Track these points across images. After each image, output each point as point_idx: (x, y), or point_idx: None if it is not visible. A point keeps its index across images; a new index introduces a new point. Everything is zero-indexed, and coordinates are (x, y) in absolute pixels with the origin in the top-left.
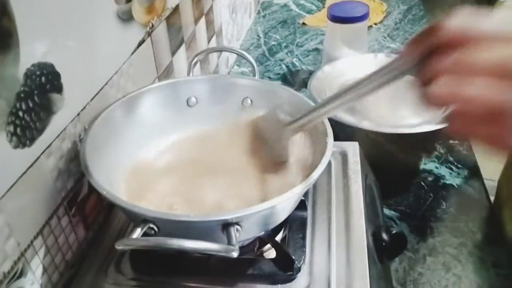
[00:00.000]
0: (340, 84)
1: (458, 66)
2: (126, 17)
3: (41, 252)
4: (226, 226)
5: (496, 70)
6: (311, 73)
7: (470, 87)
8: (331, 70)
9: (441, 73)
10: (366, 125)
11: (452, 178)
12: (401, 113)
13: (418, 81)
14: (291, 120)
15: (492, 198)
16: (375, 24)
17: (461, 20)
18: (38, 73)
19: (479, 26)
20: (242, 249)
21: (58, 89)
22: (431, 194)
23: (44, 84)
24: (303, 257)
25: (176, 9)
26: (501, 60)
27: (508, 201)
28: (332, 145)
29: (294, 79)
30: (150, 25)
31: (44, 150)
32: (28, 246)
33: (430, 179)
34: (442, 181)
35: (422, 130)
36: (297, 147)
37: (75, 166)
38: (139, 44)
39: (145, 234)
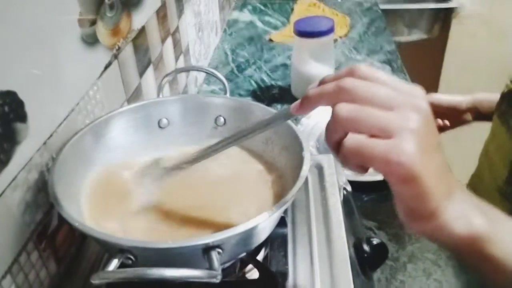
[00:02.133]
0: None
1: (359, 95)
2: (91, 41)
3: None
4: (206, 250)
5: (386, 102)
6: (280, 88)
7: (368, 110)
8: (308, 122)
9: (343, 96)
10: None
11: None
12: None
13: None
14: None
15: None
16: (340, 37)
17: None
18: (0, 102)
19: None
20: (223, 271)
21: (22, 118)
22: None
23: (7, 113)
24: (286, 274)
25: (142, 30)
26: (390, 95)
27: None
28: (309, 160)
29: (264, 94)
30: (116, 47)
31: (10, 183)
32: None
33: None
34: None
35: None
36: (274, 163)
37: (43, 197)
38: (106, 67)
39: (122, 265)
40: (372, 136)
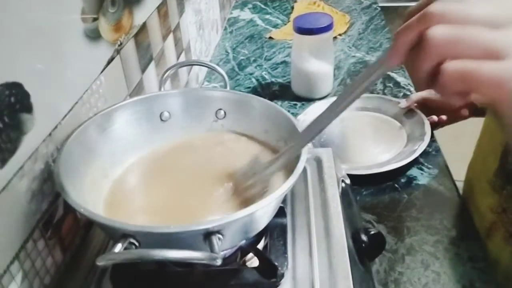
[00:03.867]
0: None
1: (453, 16)
2: (94, 36)
3: (18, 278)
4: (207, 235)
5: (487, 21)
6: (280, 85)
7: (468, 29)
8: (305, 118)
9: (438, 21)
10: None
11: (423, 178)
12: (373, 151)
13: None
14: (270, 161)
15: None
16: (340, 35)
17: (446, 3)
18: (6, 93)
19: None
20: (224, 260)
21: (28, 109)
22: (405, 195)
23: (14, 104)
24: (285, 263)
25: (143, 26)
26: (491, 13)
27: (470, 197)
28: (306, 151)
29: (265, 91)
30: (119, 42)
31: (17, 172)
32: (5, 271)
33: (403, 180)
34: (414, 182)
35: (392, 168)
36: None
37: (48, 187)
38: (109, 62)
39: (125, 250)
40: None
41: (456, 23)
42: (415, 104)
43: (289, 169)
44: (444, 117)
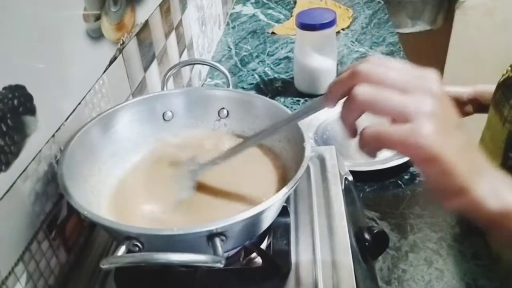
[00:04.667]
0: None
1: (375, 76)
2: (96, 35)
3: (23, 279)
4: (210, 237)
5: (400, 85)
6: (283, 81)
7: (384, 92)
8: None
9: (359, 79)
10: (347, 164)
11: None
12: None
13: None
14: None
15: None
16: (343, 29)
17: (370, 65)
18: (10, 96)
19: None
20: (227, 259)
21: (31, 111)
22: (408, 192)
23: (17, 106)
24: (289, 262)
25: (145, 24)
26: (404, 79)
27: None
28: (310, 149)
29: (268, 87)
30: (121, 42)
31: (21, 174)
32: (9, 273)
33: (406, 177)
34: (418, 178)
35: (395, 164)
36: (277, 154)
37: (52, 189)
38: (111, 62)
39: (129, 252)
40: (392, 120)
41: (377, 83)
42: None
43: (293, 168)
44: None
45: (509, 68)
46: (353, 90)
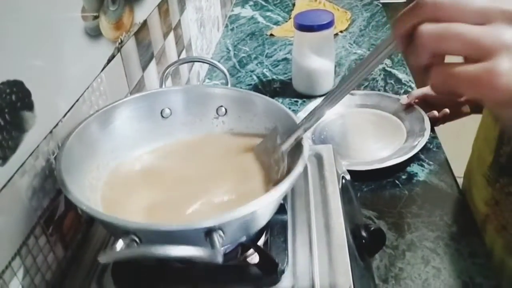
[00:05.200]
0: (313, 128)
1: (443, 9)
2: (95, 34)
3: (20, 273)
4: (209, 233)
5: (478, 15)
6: (282, 82)
7: (456, 27)
8: (305, 115)
9: (424, 21)
10: (344, 164)
11: (424, 174)
12: (370, 146)
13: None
14: (284, 140)
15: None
16: (341, 32)
17: None
18: (7, 91)
19: None
20: (225, 256)
21: (29, 106)
22: (406, 192)
23: (15, 102)
24: (286, 259)
25: (144, 24)
26: (483, 5)
27: (469, 191)
28: (308, 147)
29: (266, 88)
30: (119, 40)
31: (18, 169)
32: (6, 267)
33: (403, 177)
34: (415, 178)
35: (393, 163)
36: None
37: (50, 184)
38: (109, 60)
39: (127, 247)
40: (465, 58)
41: (447, 16)
42: (416, 100)
43: (290, 166)
44: (447, 110)
45: None
46: (418, 29)
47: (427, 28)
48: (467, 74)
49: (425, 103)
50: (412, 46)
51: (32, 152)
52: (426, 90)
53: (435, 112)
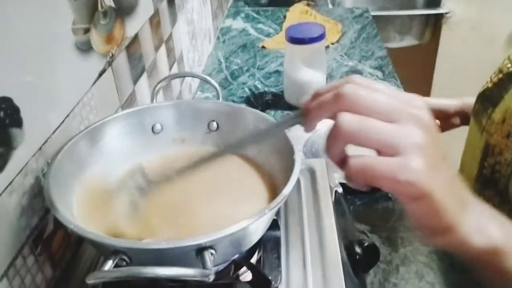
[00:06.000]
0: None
1: (360, 102)
2: (85, 48)
3: None
4: (200, 251)
5: (388, 112)
6: (273, 94)
7: (371, 122)
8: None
9: (343, 104)
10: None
11: None
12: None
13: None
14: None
15: None
16: (332, 44)
17: (355, 87)
18: None
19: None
20: (217, 274)
21: (18, 123)
22: (398, 205)
23: (3, 119)
24: (279, 276)
25: (135, 37)
26: (392, 104)
27: None
28: (300, 162)
29: (258, 101)
30: (110, 54)
31: (6, 188)
32: None
33: None
34: None
35: None
36: (265, 167)
37: (38, 202)
38: (100, 74)
39: (116, 266)
40: (377, 151)
41: (363, 109)
42: None
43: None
44: (437, 121)
45: (489, 80)
46: (337, 119)
47: (346, 119)
48: (382, 167)
49: None
50: (330, 134)
51: (21, 170)
52: None
53: None
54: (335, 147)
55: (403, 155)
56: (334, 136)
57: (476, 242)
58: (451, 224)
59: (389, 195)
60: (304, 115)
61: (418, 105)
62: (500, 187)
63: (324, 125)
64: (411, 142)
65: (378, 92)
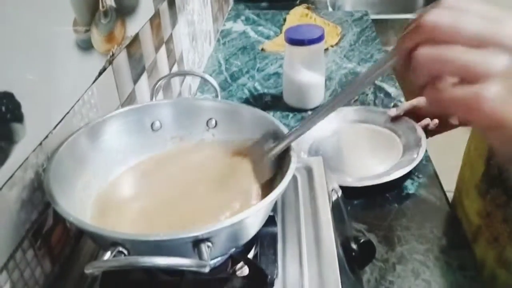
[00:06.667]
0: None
1: (442, 30)
2: (86, 46)
3: None
4: (196, 243)
5: (475, 37)
6: (273, 96)
7: (452, 51)
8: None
9: (423, 41)
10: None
11: (414, 188)
12: (367, 162)
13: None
14: (273, 146)
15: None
16: (331, 46)
17: (439, 13)
18: None
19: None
20: (214, 269)
21: (19, 118)
22: (396, 205)
23: (4, 113)
24: (275, 271)
25: (136, 37)
26: (480, 27)
27: (460, 204)
28: (296, 158)
29: (257, 102)
30: (111, 53)
31: (7, 181)
32: None
33: (393, 190)
34: (405, 191)
35: (387, 180)
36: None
37: (38, 197)
38: (100, 73)
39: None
40: (459, 79)
41: (445, 37)
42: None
43: (279, 176)
44: (436, 120)
45: None
46: (415, 53)
47: (424, 51)
48: (456, 97)
49: (413, 116)
50: (409, 64)
51: (21, 164)
52: (416, 102)
53: (428, 120)
54: (415, 78)
55: (482, 82)
56: (413, 71)
57: None
58: None
59: (386, 195)
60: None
61: (509, 24)
62: (507, 185)
63: (327, 128)
64: (492, 69)
65: (465, 14)
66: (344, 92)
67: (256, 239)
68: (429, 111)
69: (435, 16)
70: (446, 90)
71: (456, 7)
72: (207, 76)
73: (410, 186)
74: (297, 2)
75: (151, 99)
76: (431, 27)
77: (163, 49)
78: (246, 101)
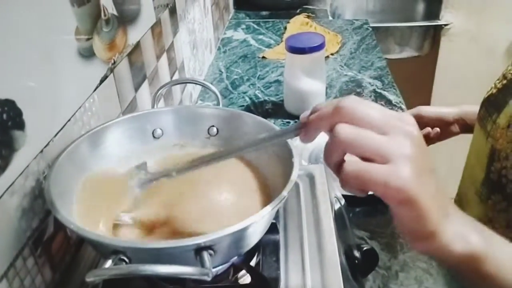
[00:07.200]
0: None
1: (357, 115)
2: (88, 54)
3: None
4: (198, 251)
5: (380, 125)
6: (273, 103)
7: (365, 133)
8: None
9: (342, 116)
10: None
11: None
12: None
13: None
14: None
15: None
16: (332, 54)
17: (353, 102)
18: None
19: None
20: (217, 277)
21: (20, 126)
22: None
23: (6, 121)
24: (278, 279)
25: (137, 46)
26: (382, 119)
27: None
28: (298, 164)
29: (258, 110)
30: (112, 61)
31: (7, 189)
32: None
33: None
34: None
35: None
36: (265, 170)
37: (39, 205)
38: (102, 80)
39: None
40: (369, 159)
41: (359, 121)
42: None
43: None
44: (437, 129)
45: (493, 86)
46: (336, 129)
47: (344, 129)
48: (374, 173)
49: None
50: (328, 143)
51: (22, 172)
52: (416, 111)
53: (429, 129)
54: (333, 155)
55: (393, 164)
56: (332, 145)
57: (457, 249)
58: (434, 231)
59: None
60: (304, 127)
61: (408, 121)
62: (507, 191)
63: (326, 138)
64: (401, 152)
65: (373, 108)
66: (249, 143)
67: (258, 247)
68: (430, 120)
69: (351, 103)
70: (366, 164)
71: (364, 102)
72: (208, 84)
73: None
74: (298, 11)
75: (152, 107)
76: (348, 111)
77: (164, 57)
78: (247, 109)
